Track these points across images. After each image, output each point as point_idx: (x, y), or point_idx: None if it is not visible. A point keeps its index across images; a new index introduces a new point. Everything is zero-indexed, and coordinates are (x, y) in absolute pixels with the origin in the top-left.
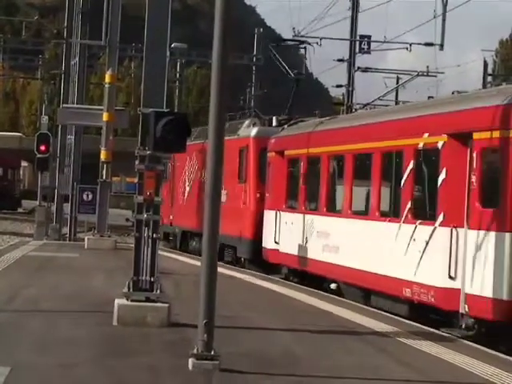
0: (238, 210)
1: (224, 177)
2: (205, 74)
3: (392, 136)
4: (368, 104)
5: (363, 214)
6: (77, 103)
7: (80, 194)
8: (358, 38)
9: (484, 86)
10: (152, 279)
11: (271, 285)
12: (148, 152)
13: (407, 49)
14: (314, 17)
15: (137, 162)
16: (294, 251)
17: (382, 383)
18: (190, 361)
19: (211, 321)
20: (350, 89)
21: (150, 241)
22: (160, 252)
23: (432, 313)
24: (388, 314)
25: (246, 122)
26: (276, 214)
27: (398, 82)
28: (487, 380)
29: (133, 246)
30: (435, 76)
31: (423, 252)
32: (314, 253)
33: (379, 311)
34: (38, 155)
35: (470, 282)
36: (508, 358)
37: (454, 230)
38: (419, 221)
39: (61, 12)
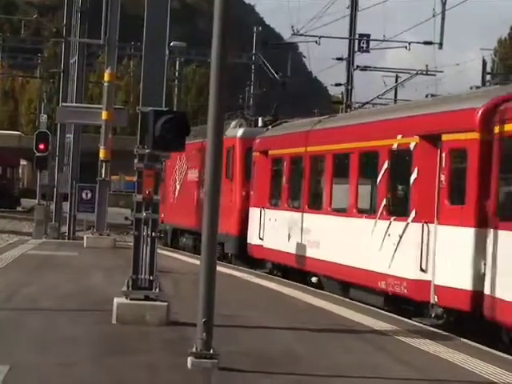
0: (225, 208)
1: None
2: (204, 73)
3: (369, 137)
4: (367, 103)
5: (342, 211)
6: (76, 102)
7: (79, 193)
8: (357, 36)
9: (483, 85)
10: (151, 278)
11: (270, 283)
12: (147, 151)
13: (406, 47)
14: (313, 15)
15: (136, 161)
16: (278, 247)
17: (382, 382)
18: (189, 359)
19: (210, 319)
20: (349, 87)
21: (149, 239)
22: (159, 250)
23: (405, 304)
24: (387, 313)
25: (233, 123)
26: (260, 211)
27: (397, 81)
28: (486, 379)
29: (132, 244)
30: (434, 75)
31: (397, 246)
32: (296, 248)
33: (379, 310)
34: (37, 154)
35: (439, 274)
36: (507, 356)
37: (425, 225)
38: (393, 217)
39: (60, 10)
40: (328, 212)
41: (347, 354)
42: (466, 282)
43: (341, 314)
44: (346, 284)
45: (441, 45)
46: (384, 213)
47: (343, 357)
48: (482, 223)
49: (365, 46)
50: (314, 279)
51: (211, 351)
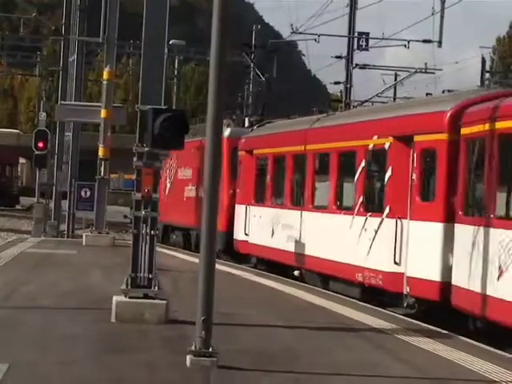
0: None
1: (202, 174)
2: (203, 71)
3: (347, 138)
4: (366, 101)
5: (322, 207)
6: (75, 100)
7: (78, 191)
8: (356, 34)
9: (482, 83)
10: (150, 276)
11: (269, 282)
12: (146, 149)
13: (405, 46)
14: (312, 14)
15: (135, 159)
16: (262, 242)
17: (381, 380)
18: (188, 357)
19: (209, 318)
20: (348, 86)
21: (148, 238)
22: (158, 249)
23: (380, 295)
24: (386, 311)
25: None
26: (246, 208)
27: (396, 79)
28: (485, 377)
29: (131, 242)
30: (433, 73)
31: (373, 241)
32: (280, 243)
33: (378, 308)
34: (36, 152)
35: (411, 266)
36: (506, 354)
37: (398, 221)
38: (369, 213)
39: (59, 9)
40: (309, 209)
41: (346, 352)
42: (435, 274)
43: (340, 313)
44: (326, 277)
45: (440, 43)
46: (361, 209)
47: (342, 355)
48: (450, 218)
49: (364, 44)
50: (296, 273)
51: (210, 349)
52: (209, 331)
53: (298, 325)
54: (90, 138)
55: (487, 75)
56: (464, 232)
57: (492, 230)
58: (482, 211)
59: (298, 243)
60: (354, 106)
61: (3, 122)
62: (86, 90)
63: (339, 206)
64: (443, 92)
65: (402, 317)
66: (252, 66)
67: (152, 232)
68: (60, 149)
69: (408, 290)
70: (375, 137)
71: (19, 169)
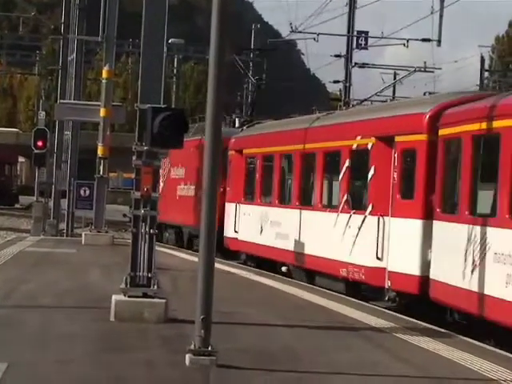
0: None
1: (193, 173)
2: (202, 70)
3: (332, 138)
4: (365, 100)
5: (308, 205)
6: (74, 99)
7: (77, 190)
8: (355, 33)
9: (481, 82)
10: (149, 275)
11: (269, 280)
12: (145, 148)
13: (404, 45)
14: (311, 13)
15: (134, 158)
16: (251, 239)
17: (381, 379)
18: (187, 356)
19: (208, 316)
20: (347, 84)
21: (147, 236)
22: (157, 248)
23: (363, 289)
24: (387, 311)
25: None
26: (236, 206)
27: (395, 78)
28: (485, 376)
29: (130, 241)
30: (432, 72)
31: (356, 237)
32: (268, 240)
33: (378, 307)
34: (36, 151)
35: (392, 261)
36: (506, 353)
37: (380, 218)
38: (353, 211)
39: (58, 8)
40: (296, 206)
41: (346, 351)
42: (414, 268)
43: (340, 312)
44: (312, 272)
45: (439, 42)
46: (345, 207)
47: (342, 354)
48: (429, 215)
49: (363, 43)
50: (283, 268)
51: (209, 348)
52: (208, 330)
53: (297, 324)
54: (89, 136)
55: (486, 74)
56: (441, 228)
57: (466, 227)
58: (457, 208)
59: (286, 240)
60: (353, 105)
61: (2, 120)
62: (85, 89)
63: (325, 203)
64: (424, 94)
65: (401, 316)
66: (242, 69)
67: (151, 231)
68: (59, 148)
69: (389, 284)
70: (359, 137)
71: (18, 168)
